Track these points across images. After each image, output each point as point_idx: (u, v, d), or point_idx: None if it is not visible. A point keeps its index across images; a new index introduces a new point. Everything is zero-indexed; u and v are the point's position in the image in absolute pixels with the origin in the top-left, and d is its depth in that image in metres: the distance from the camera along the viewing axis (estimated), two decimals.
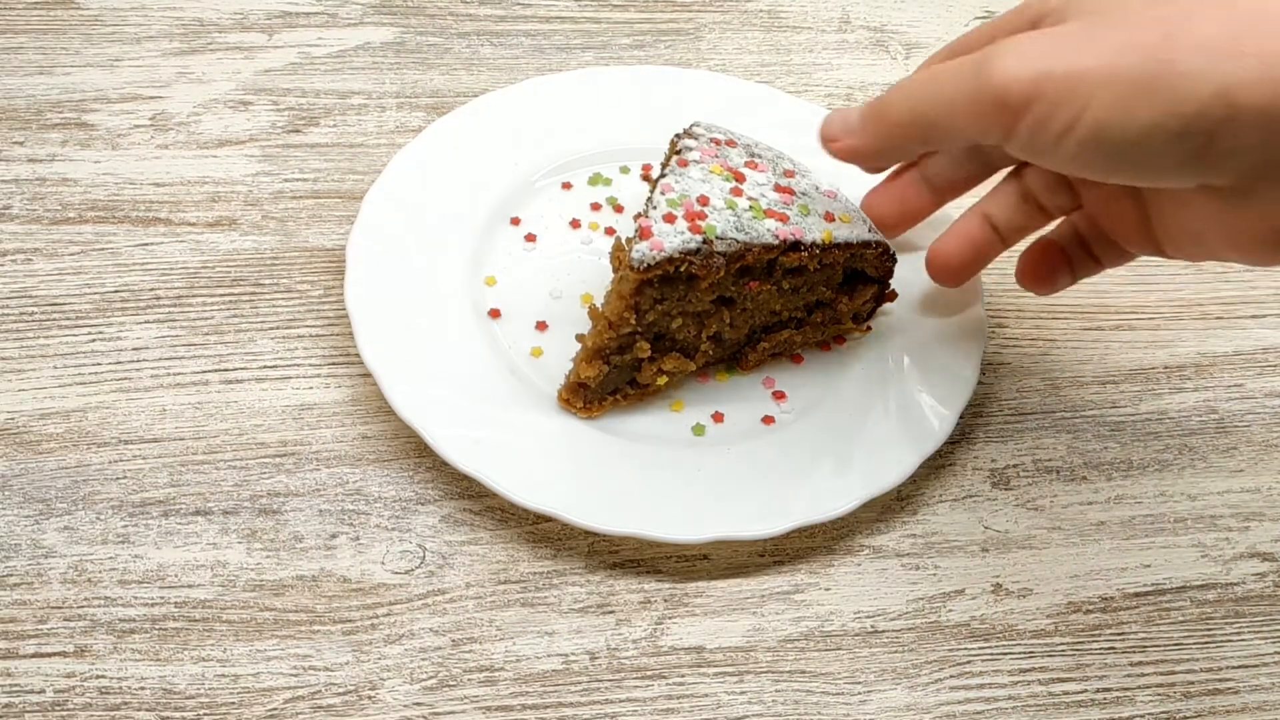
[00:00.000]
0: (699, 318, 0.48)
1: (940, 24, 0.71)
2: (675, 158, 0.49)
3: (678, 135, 0.52)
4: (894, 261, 0.50)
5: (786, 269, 0.47)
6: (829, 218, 0.48)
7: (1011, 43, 0.37)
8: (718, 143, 0.50)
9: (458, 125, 0.57)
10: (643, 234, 0.44)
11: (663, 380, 0.48)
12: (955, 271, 0.49)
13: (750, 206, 0.47)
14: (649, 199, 0.47)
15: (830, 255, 0.48)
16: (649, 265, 0.44)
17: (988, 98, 0.37)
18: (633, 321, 0.46)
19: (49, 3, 0.63)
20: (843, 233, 0.48)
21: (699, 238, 0.44)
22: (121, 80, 0.60)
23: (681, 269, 0.45)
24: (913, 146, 0.43)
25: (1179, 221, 0.41)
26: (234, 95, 0.60)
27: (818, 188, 0.50)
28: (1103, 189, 0.45)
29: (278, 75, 0.62)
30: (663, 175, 0.48)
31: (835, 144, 0.44)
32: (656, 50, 0.67)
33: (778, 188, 0.48)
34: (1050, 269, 0.48)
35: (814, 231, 0.47)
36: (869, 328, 0.53)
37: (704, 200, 0.46)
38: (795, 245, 0.46)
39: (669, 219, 0.45)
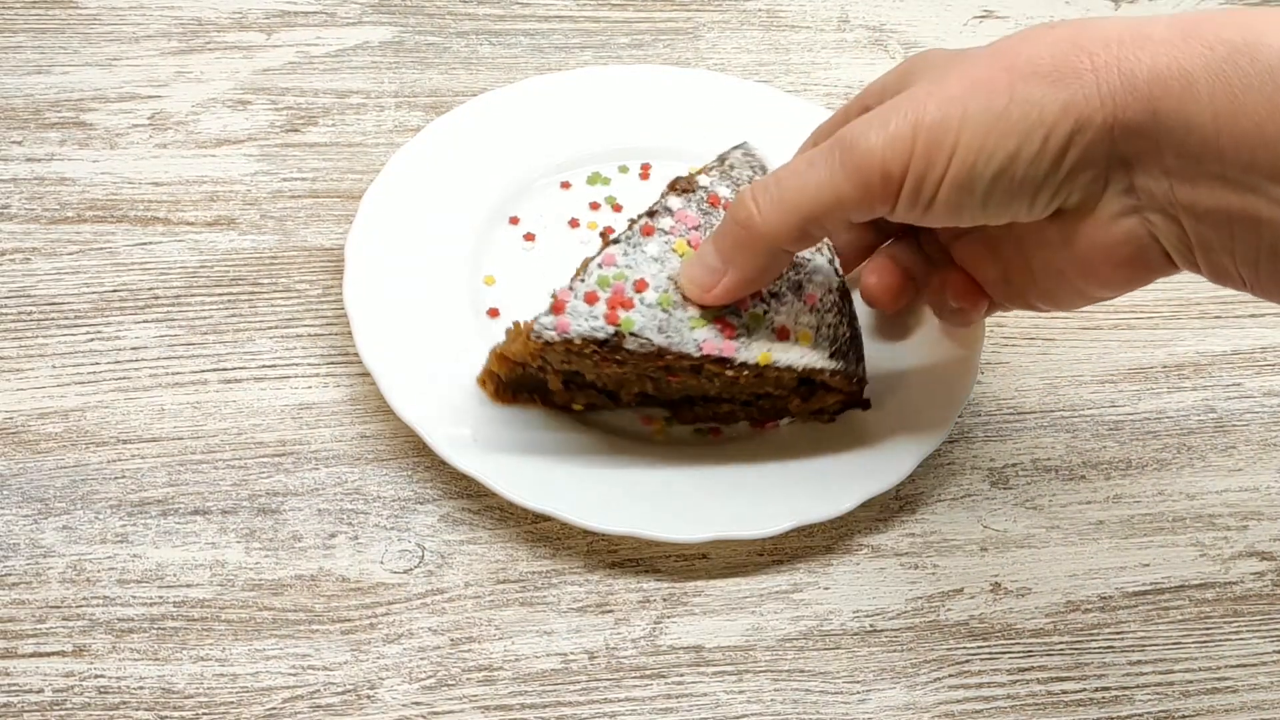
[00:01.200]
0: (618, 377, 0.45)
1: (939, 23, 0.71)
2: (643, 222, 0.45)
3: (721, 156, 0.49)
4: (862, 385, 0.46)
5: (713, 373, 0.44)
6: (783, 333, 0.44)
7: (870, 117, 0.38)
8: (717, 202, 0.46)
9: (456, 124, 0.57)
10: (555, 306, 0.42)
11: (578, 405, 0.47)
12: (886, 305, 0.48)
13: (688, 309, 0.42)
14: (586, 263, 0.44)
15: (767, 373, 0.44)
16: (545, 341, 0.41)
17: (872, 172, 0.37)
18: (537, 365, 0.44)
19: (47, 2, 0.63)
20: (787, 357, 0.43)
21: (611, 329, 0.41)
22: (120, 79, 0.60)
23: (584, 352, 0.42)
24: (791, 249, 0.41)
25: (1041, 261, 0.42)
26: (232, 94, 0.60)
27: (809, 281, 0.45)
28: (968, 245, 0.45)
29: (276, 74, 0.62)
30: (617, 241, 0.44)
31: (711, 295, 0.42)
32: (655, 49, 0.67)
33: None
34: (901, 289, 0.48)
35: (751, 350, 0.43)
36: (831, 419, 0.49)
37: (640, 286, 0.42)
38: (720, 360, 0.42)
39: (590, 298, 0.42)
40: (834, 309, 0.45)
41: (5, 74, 0.60)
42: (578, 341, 0.41)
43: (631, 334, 0.41)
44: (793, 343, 0.43)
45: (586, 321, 0.41)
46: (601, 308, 0.41)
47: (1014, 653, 0.46)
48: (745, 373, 0.43)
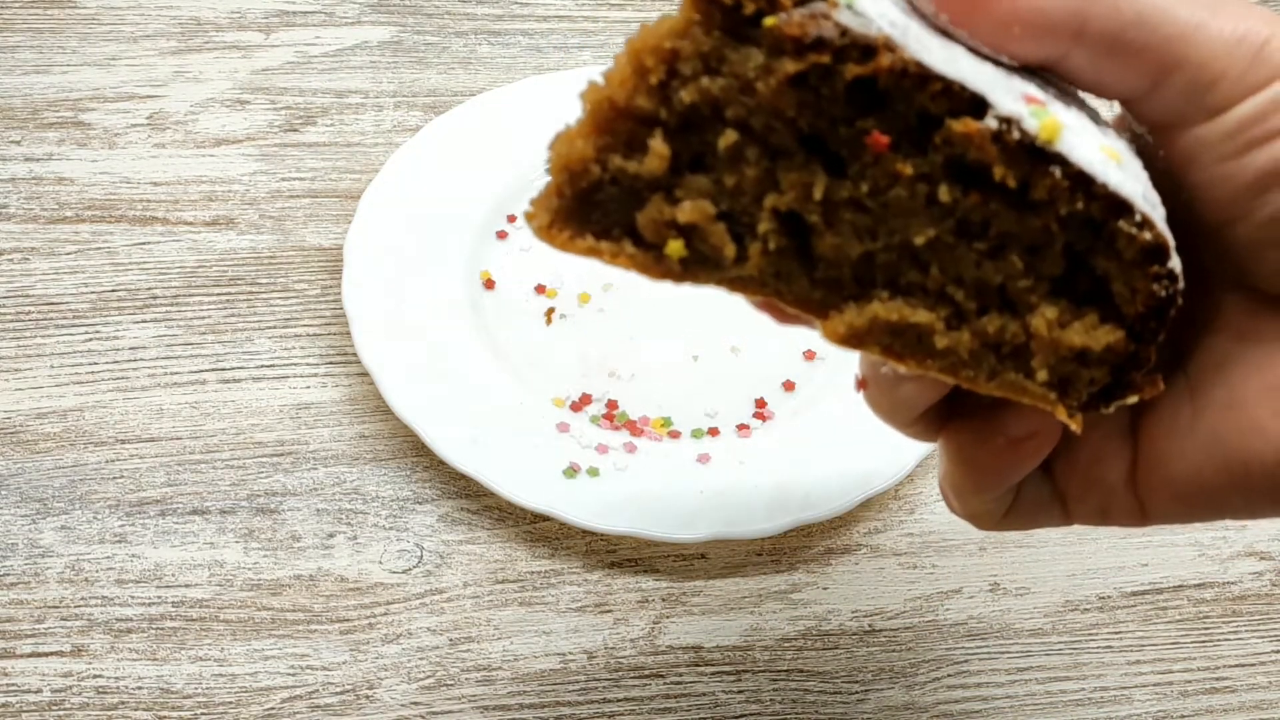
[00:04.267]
0: (769, 153, 0.25)
1: None
2: None
3: None
4: (1172, 288, 0.25)
5: (951, 156, 0.24)
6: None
7: None
8: None
9: (455, 124, 0.57)
10: None
11: (676, 246, 0.26)
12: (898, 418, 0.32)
13: (938, 36, 0.25)
14: None
15: (1045, 179, 0.24)
16: None
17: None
18: (654, 84, 0.25)
19: (45, 1, 0.63)
20: (1089, 153, 0.24)
21: None
22: (118, 79, 0.60)
23: (758, 16, 0.24)
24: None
25: (1215, 395, 0.28)
26: (231, 94, 0.60)
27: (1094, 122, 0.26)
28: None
29: (275, 74, 0.62)
30: None
31: None
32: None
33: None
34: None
35: (1024, 111, 0.24)
36: (1075, 416, 0.26)
37: None
38: (978, 106, 0.24)
39: None
40: (1139, 164, 0.26)
41: (3, 74, 0.60)
42: None
43: (850, 7, 0.24)
44: (1104, 153, 0.25)
45: None
46: None
47: (1012, 652, 0.46)
48: (1004, 155, 0.24)
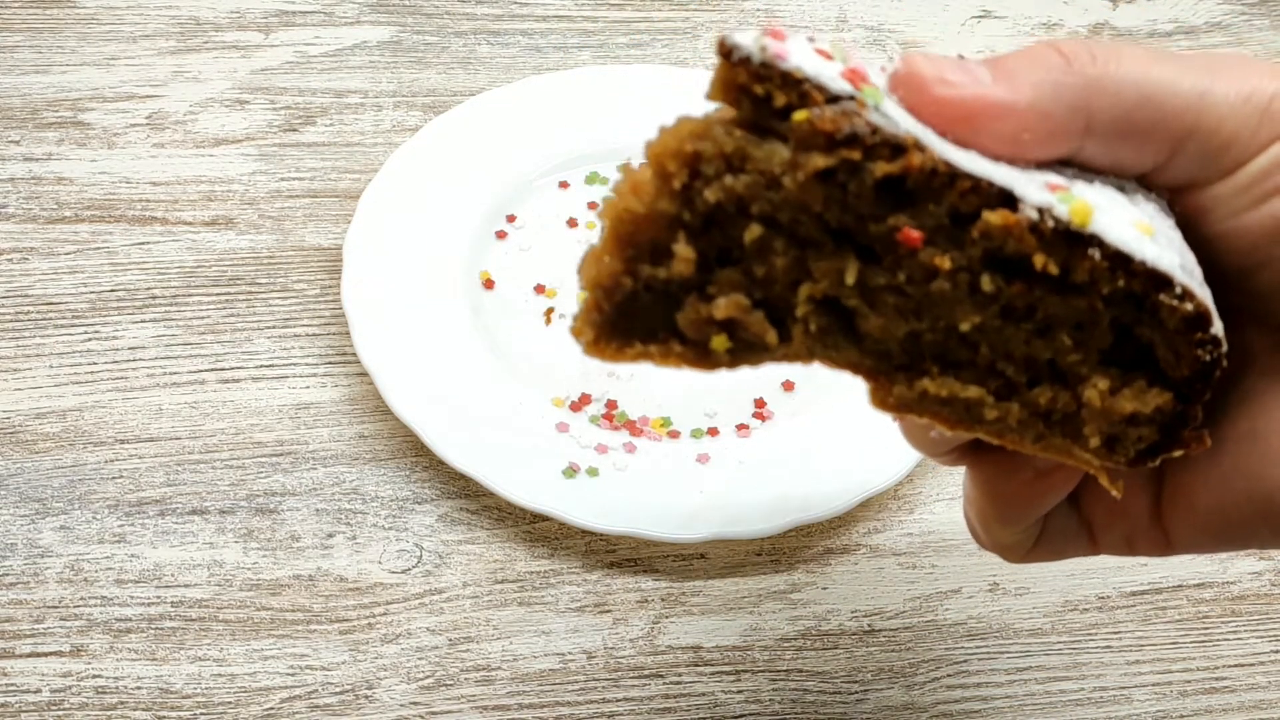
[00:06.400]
0: (797, 244, 0.25)
1: (937, 23, 0.71)
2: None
3: None
4: (1216, 352, 0.25)
5: (988, 249, 0.25)
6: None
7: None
8: None
9: (455, 124, 0.57)
10: (773, 32, 0.25)
11: (720, 340, 0.26)
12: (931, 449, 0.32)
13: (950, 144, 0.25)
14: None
15: (1084, 262, 0.25)
16: (749, 63, 0.24)
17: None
18: (676, 188, 0.25)
19: (45, 1, 0.63)
20: (1123, 232, 0.25)
21: (850, 89, 0.24)
22: (117, 79, 0.60)
23: (787, 110, 0.24)
24: (1077, 139, 0.26)
25: (1251, 428, 0.28)
26: (230, 94, 0.60)
27: (1129, 188, 0.27)
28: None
29: (274, 74, 0.62)
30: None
31: (952, 89, 0.25)
32: (654, 49, 0.67)
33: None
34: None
35: (1053, 199, 0.24)
36: (1119, 479, 0.27)
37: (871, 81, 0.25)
38: (1007, 200, 0.24)
39: (822, 54, 0.25)
40: (1170, 224, 0.27)
41: (2, 73, 0.60)
42: (798, 76, 0.24)
43: (878, 108, 0.24)
44: (1137, 228, 0.25)
45: (815, 64, 0.25)
46: (838, 66, 0.25)
47: (1012, 652, 0.46)
48: (1042, 244, 0.24)
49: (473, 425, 0.47)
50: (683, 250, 0.25)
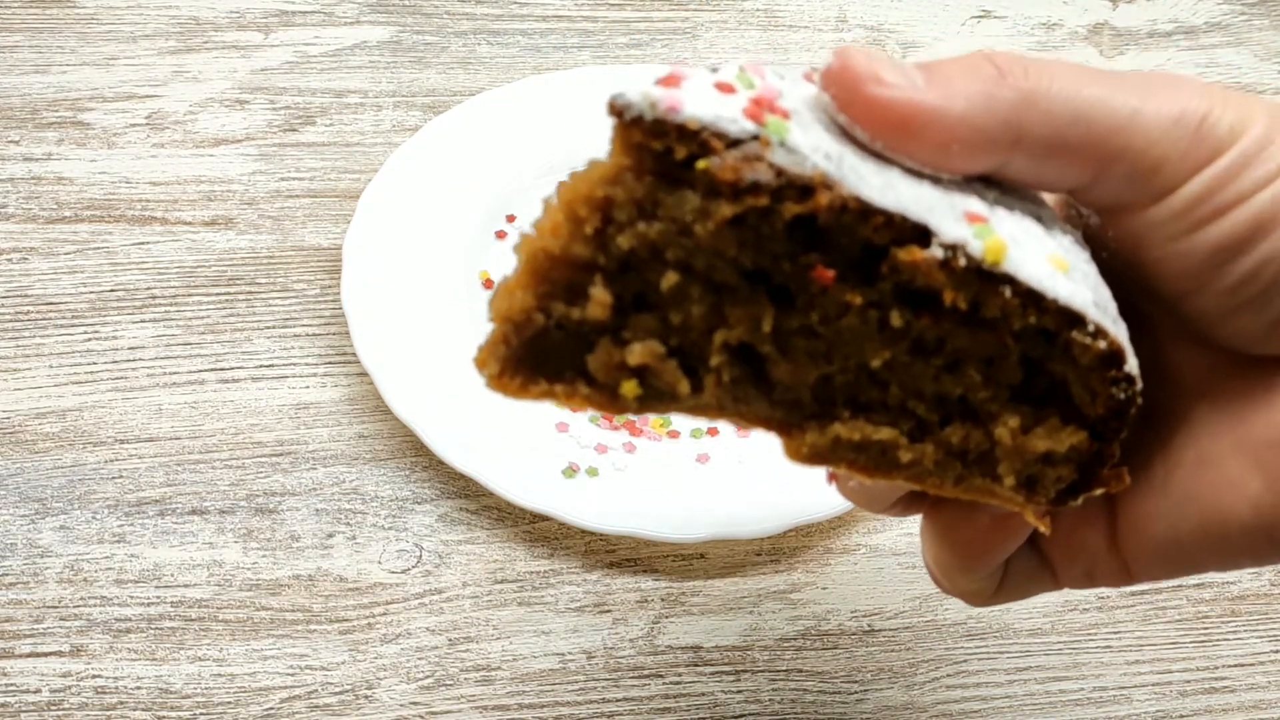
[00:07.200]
0: (713, 289, 0.25)
1: (937, 23, 0.71)
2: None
3: None
4: (1130, 390, 0.25)
5: (899, 284, 0.24)
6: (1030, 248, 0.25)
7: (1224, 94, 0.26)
8: None
9: (454, 124, 0.57)
10: (666, 79, 0.25)
11: (630, 386, 0.25)
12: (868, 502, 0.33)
13: (872, 160, 0.25)
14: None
15: (995, 298, 0.24)
16: (642, 121, 0.24)
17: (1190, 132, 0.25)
18: (590, 233, 0.25)
19: (45, 1, 0.63)
20: (1035, 269, 0.24)
21: (752, 128, 0.24)
22: (117, 79, 0.60)
23: (690, 160, 0.24)
24: (1005, 152, 0.25)
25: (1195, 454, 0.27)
26: (230, 94, 0.60)
27: (1044, 217, 0.27)
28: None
29: (274, 74, 0.62)
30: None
31: (878, 90, 0.24)
32: (654, 49, 0.67)
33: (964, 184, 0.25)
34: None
35: (968, 234, 0.24)
36: (1046, 515, 0.27)
37: (792, 112, 0.24)
38: (921, 234, 0.24)
39: (723, 88, 0.24)
40: (1085, 258, 0.27)
41: (2, 73, 0.60)
42: (693, 127, 0.24)
43: (783, 144, 0.23)
44: (1048, 262, 0.25)
45: (714, 108, 0.24)
46: (740, 101, 0.24)
47: (1011, 652, 0.46)
48: (952, 280, 0.24)
49: (473, 425, 0.47)
50: (599, 294, 0.25)
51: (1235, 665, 0.47)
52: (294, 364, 0.51)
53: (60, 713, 0.41)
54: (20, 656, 0.42)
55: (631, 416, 0.50)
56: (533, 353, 0.26)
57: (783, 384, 0.26)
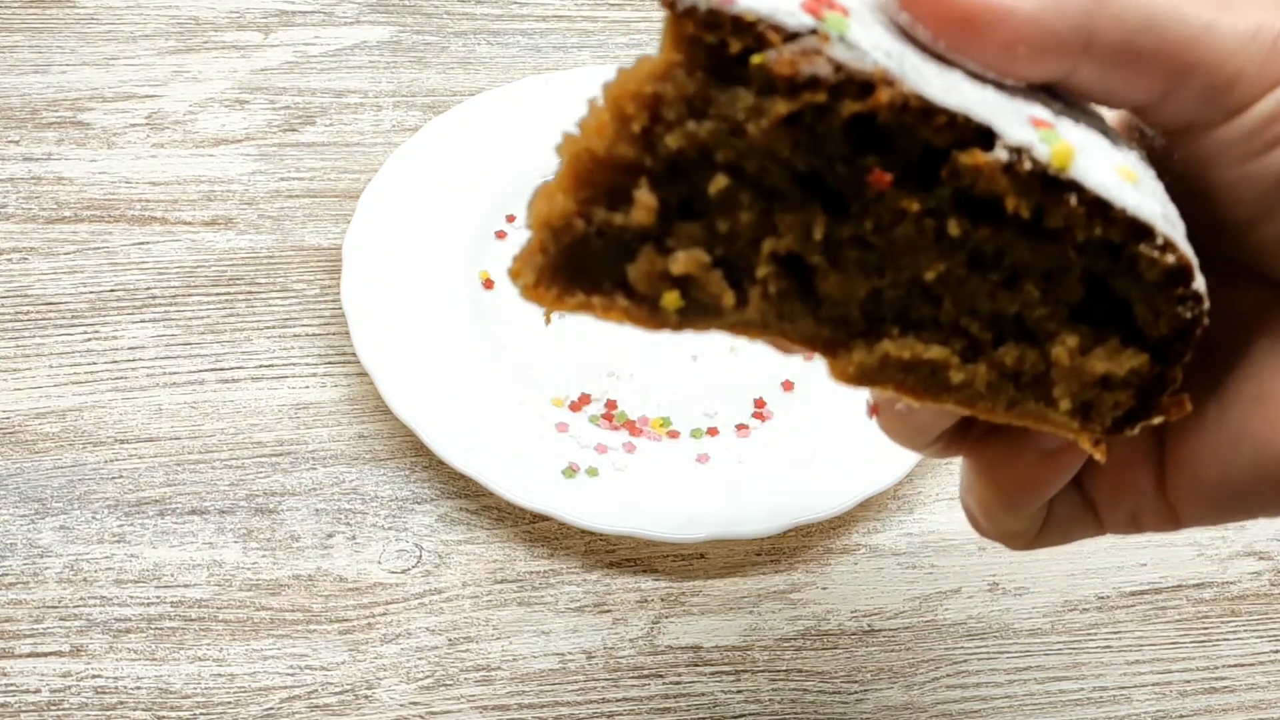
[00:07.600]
0: (763, 195, 0.24)
1: None
2: None
3: None
4: (1197, 309, 0.24)
5: (959, 189, 0.23)
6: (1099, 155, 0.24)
7: None
8: None
9: (455, 124, 0.57)
10: None
11: (672, 298, 0.24)
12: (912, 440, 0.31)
13: (934, 61, 0.23)
14: None
15: (1060, 207, 0.23)
16: (695, 12, 0.22)
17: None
18: (637, 131, 0.23)
19: (44, 1, 0.63)
20: (1103, 177, 0.23)
21: (811, 22, 0.22)
22: (117, 79, 0.60)
23: (745, 55, 0.23)
24: (1074, 58, 0.23)
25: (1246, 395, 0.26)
26: (230, 94, 0.60)
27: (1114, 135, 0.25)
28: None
29: (274, 74, 0.62)
30: None
31: None
32: (653, 49, 0.66)
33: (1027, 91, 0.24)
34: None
35: (1034, 138, 0.23)
36: (1100, 443, 0.26)
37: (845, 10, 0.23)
38: (984, 136, 0.22)
39: None
40: (1153, 175, 0.25)
41: (2, 73, 0.60)
42: (750, 19, 0.22)
43: (843, 39, 0.22)
44: (1118, 173, 0.24)
45: (770, 0, 0.23)
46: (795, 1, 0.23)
47: (1011, 652, 0.46)
48: (1015, 186, 0.23)
49: (473, 425, 0.47)
50: (644, 198, 0.23)
51: (1235, 665, 0.47)
52: (294, 364, 0.51)
53: (60, 713, 0.41)
54: (20, 656, 0.42)
55: (640, 418, 0.50)
56: (571, 261, 0.24)
57: (831, 298, 0.24)
